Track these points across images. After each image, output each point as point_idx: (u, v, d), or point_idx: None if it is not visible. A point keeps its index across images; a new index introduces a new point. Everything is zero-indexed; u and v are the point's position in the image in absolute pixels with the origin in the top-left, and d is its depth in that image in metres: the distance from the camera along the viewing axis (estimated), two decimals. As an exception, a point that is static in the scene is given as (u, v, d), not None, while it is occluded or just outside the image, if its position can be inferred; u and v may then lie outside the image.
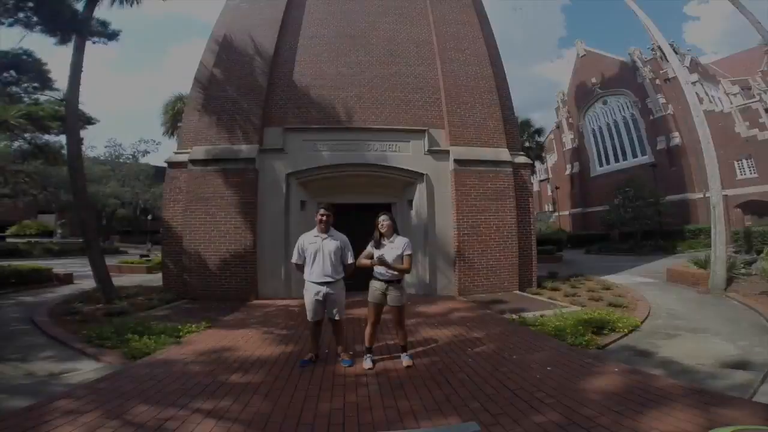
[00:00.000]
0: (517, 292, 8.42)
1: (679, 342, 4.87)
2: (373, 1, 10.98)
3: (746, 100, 27.18)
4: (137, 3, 10.00)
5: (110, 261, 10.34)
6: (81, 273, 11.76)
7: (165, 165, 9.26)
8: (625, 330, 5.17)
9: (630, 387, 3.21)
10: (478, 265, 8.48)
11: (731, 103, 27.86)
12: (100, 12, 9.02)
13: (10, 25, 7.33)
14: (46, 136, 12.49)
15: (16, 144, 13.42)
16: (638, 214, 22.05)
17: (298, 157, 8.97)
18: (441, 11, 10.67)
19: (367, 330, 4.01)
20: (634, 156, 33.74)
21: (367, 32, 10.40)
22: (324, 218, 4.01)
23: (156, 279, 10.60)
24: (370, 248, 3.94)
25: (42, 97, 9.64)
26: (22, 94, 9.16)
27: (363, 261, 3.93)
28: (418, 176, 9.01)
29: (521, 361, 3.99)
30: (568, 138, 40.25)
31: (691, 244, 20.81)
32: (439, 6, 10.76)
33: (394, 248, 3.81)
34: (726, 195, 22.60)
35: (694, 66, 32.66)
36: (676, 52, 21.06)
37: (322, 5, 10.80)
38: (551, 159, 43.29)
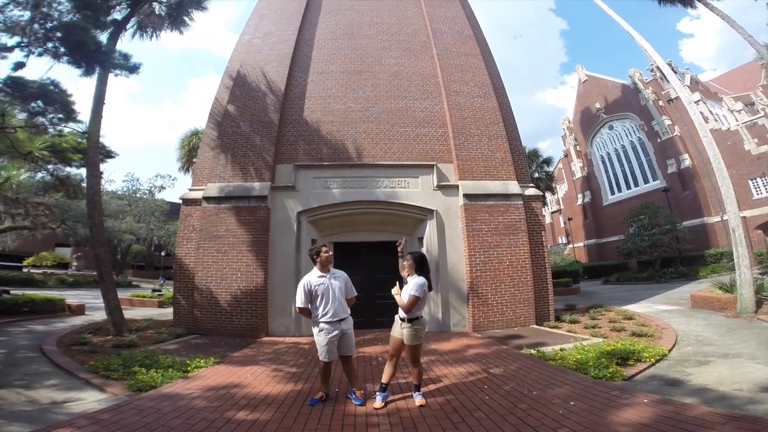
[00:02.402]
0: (534, 326, 8.12)
1: (711, 368, 4.58)
2: (378, 36, 11.49)
3: (751, 116, 26.49)
4: (156, 37, 10.64)
5: (123, 294, 10.39)
6: (93, 305, 11.82)
7: (180, 201, 9.44)
8: (652, 359, 4.91)
9: (662, 417, 3.01)
10: (492, 301, 8.24)
11: (737, 120, 27.00)
12: (122, 45, 9.32)
13: (40, 54, 7.61)
14: (68, 169, 12.77)
15: (38, 176, 13.73)
16: (655, 242, 21.46)
17: (309, 194, 9.08)
18: (443, 43, 11.09)
19: (387, 365, 3.94)
20: (646, 181, 33.08)
21: (374, 67, 10.82)
22: (330, 256, 4.12)
23: (167, 313, 10.58)
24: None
25: (65, 129, 9.83)
26: (48, 125, 9.35)
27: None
28: (428, 212, 8.98)
29: (542, 396, 3.78)
30: (577, 166, 39.76)
31: (713, 268, 20.03)
32: (441, 38, 11.19)
33: (408, 287, 3.85)
34: (744, 216, 21.93)
35: (695, 84, 32.44)
36: (674, 72, 20.98)
37: (329, 41, 11.36)
38: (562, 189, 42.71)
